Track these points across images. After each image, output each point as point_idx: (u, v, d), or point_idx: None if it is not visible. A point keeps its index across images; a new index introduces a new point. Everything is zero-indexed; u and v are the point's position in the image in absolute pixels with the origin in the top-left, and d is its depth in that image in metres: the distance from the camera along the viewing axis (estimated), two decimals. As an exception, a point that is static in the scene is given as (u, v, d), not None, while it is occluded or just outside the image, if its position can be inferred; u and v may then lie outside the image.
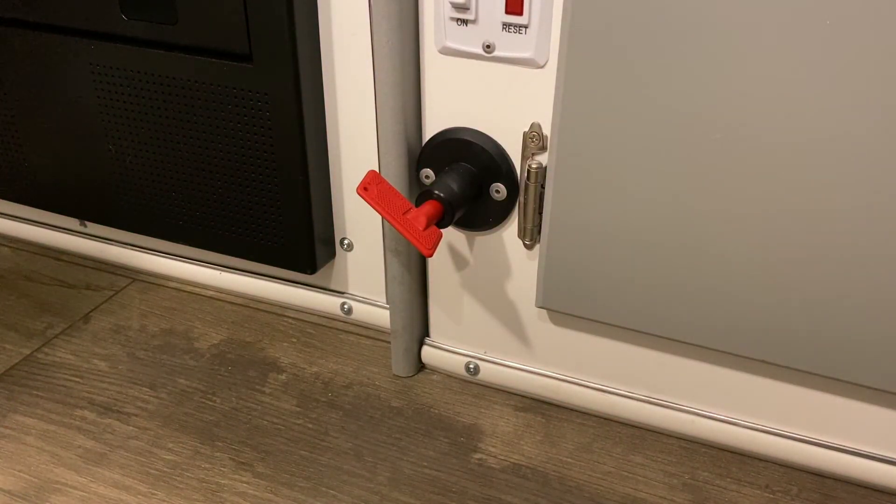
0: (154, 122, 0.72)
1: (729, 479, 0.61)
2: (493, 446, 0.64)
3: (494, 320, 0.68)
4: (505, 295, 0.66)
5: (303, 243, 0.72)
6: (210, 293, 0.84)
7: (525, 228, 0.60)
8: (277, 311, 0.81)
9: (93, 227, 0.88)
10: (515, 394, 0.70)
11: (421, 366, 0.73)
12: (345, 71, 0.66)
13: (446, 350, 0.71)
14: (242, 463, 0.62)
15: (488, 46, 0.56)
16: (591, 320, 0.62)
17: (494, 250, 0.64)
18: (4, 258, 0.90)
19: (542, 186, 0.58)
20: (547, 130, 0.57)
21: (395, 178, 0.62)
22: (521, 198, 0.59)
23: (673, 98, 0.50)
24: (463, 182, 0.59)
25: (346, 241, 0.75)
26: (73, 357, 0.73)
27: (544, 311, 0.65)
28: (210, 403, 0.68)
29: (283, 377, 0.71)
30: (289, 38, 0.62)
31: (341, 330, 0.78)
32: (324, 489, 0.59)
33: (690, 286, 0.56)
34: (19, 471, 0.60)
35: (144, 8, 0.66)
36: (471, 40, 0.56)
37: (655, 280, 0.57)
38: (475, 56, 0.57)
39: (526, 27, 0.54)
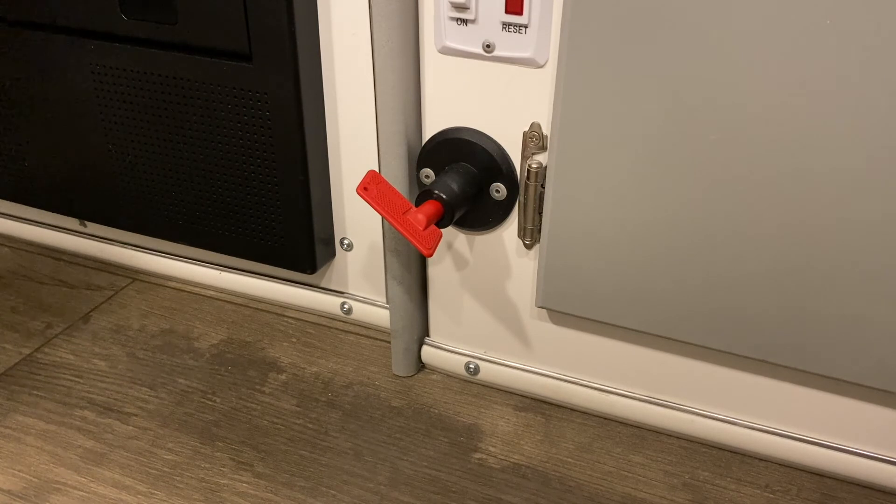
0: (154, 121, 0.72)
1: (729, 479, 0.61)
2: (493, 446, 0.64)
3: (494, 320, 0.68)
4: (505, 295, 0.66)
5: (303, 243, 0.72)
6: (210, 293, 0.84)
7: (525, 228, 0.60)
8: (277, 311, 0.81)
9: (93, 227, 0.88)
10: (515, 394, 0.70)
11: (421, 366, 0.73)
12: (345, 71, 0.66)
13: (446, 350, 0.71)
14: (242, 463, 0.62)
15: (488, 46, 0.56)
16: (591, 320, 0.62)
17: (494, 250, 0.64)
18: (4, 258, 0.90)
19: (542, 186, 0.58)
20: (547, 130, 0.57)
21: (395, 178, 0.62)
22: (521, 198, 0.59)
23: (672, 98, 0.50)
24: (463, 182, 0.59)
25: (346, 241, 0.75)
26: (72, 357, 0.73)
27: (544, 311, 0.65)
28: (210, 403, 0.68)
29: (282, 377, 0.71)
30: (289, 38, 0.62)
31: (341, 330, 0.78)
32: (324, 489, 0.59)
33: (690, 286, 0.56)
34: (19, 471, 0.60)
35: (144, 8, 0.66)
36: (471, 40, 0.56)
37: (655, 280, 0.57)
38: (475, 56, 0.57)
39: (526, 27, 0.54)
